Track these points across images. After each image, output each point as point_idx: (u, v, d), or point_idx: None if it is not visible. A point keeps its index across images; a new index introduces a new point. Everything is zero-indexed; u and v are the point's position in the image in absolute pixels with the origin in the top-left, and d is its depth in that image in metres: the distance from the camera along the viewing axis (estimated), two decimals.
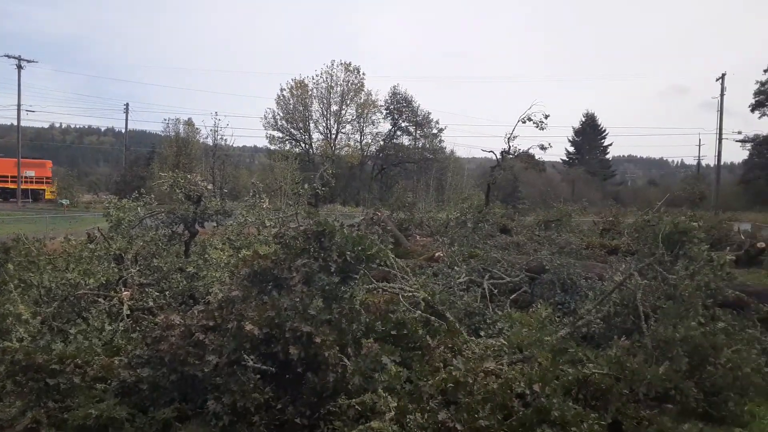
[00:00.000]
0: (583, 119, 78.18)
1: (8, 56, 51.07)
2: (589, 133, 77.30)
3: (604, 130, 77.69)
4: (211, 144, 53.97)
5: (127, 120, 65.43)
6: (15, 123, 55.22)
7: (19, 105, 52.09)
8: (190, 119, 58.84)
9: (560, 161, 77.87)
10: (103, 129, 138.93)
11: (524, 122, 18.95)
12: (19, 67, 51.43)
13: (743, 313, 7.83)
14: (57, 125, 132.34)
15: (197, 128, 57.80)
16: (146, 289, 7.64)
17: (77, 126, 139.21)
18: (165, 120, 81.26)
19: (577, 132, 77.98)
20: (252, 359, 4.37)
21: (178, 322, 4.81)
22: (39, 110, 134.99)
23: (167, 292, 7.74)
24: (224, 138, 53.93)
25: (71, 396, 4.76)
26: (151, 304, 7.20)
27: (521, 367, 5.00)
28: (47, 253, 8.28)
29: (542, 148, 19.64)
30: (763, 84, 60.92)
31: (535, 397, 4.06)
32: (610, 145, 78.78)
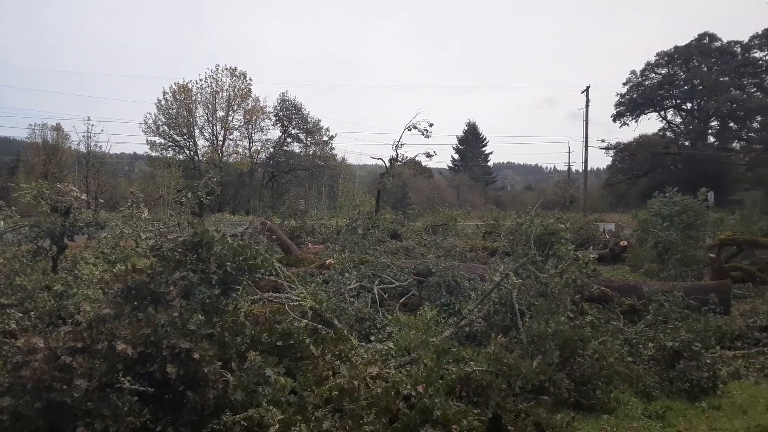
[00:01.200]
0: (466, 128, 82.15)
1: None
2: (472, 141, 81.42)
3: (485, 139, 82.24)
4: (84, 151, 50.21)
5: None
6: None
7: None
8: (58, 124, 54.51)
9: (447, 168, 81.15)
10: None
11: (410, 130, 19.57)
12: None
13: (608, 307, 8.59)
14: None
15: (67, 134, 53.69)
16: (8, 311, 6.97)
17: None
18: (31, 125, 74.32)
19: (460, 140, 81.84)
20: (127, 380, 4.11)
21: (41, 345, 4.41)
22: None
23: (32, 313, 7.10)
24: (99, 144, 50.42)
25: None
26: (13, 326, 6.57)
27: (408, 369, 5.11)
28: None
29: (428, 155, 20.38)
30: (622, 96, 67.39)
31: (419, 397, 4.16)
32: (491, 153, 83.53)
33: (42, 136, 53.81)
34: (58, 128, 54.11)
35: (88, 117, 68.82)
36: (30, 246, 8.88)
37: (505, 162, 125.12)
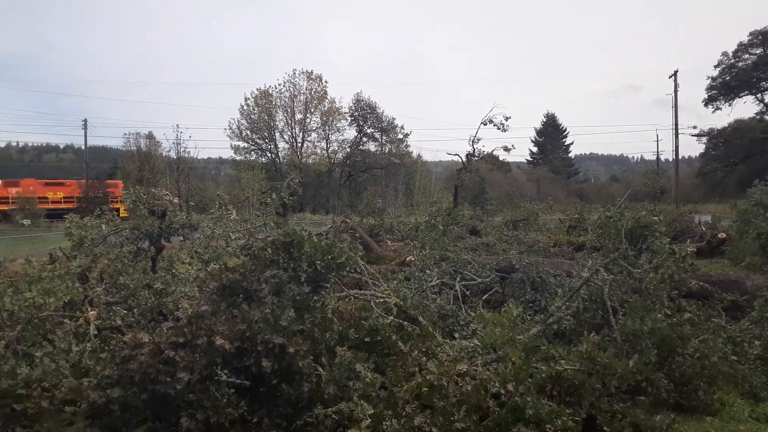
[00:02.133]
0: (544, 120, 79.80)
1: None
2: (551, 133, 78.95)
3: (565, 130, 79.43)
4: (175, 157, 53.14)
5: (86, 136, 63.83)
6: None
7: None
8: (150, 133, 57.93)
9: (525, 161, 79.33)
10: (62, 146, 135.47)
11: (485, 124, 19.27)
12: None
13: (708, 303, 8.07)
14: (14, 144, 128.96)
15: (159, 142, 57.01)
16: (113, 308, 7.47)
17: (35, 144, 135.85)
18: (125, 134, 79.60)
19: (539, 132, 79.54)
20: (225, 374, 4.31)
21: (146, 340, 4.70)
22: None
23: (135, 310, 7.58)
24: (187, 150, 53.20)
25: (40, 421, 4.62)
26: (119, 322, 7.04)
27: (495, 367, 5.04)
28: (8, 275, 8.03)
29: (506, 149, 19.95)
30: (714, 79, 63.13)
31: (510, 396, 4.09)
32: (572, 143, 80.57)
33: (136, 144, 57.43)
34: (150, 136, 57.65)
35: (177, 124, 72.68)
36: (131, 247, 9.50)
37: (587, 153, 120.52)
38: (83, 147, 67.62)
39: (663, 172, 61.99)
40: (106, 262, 8.93)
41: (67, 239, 9.30)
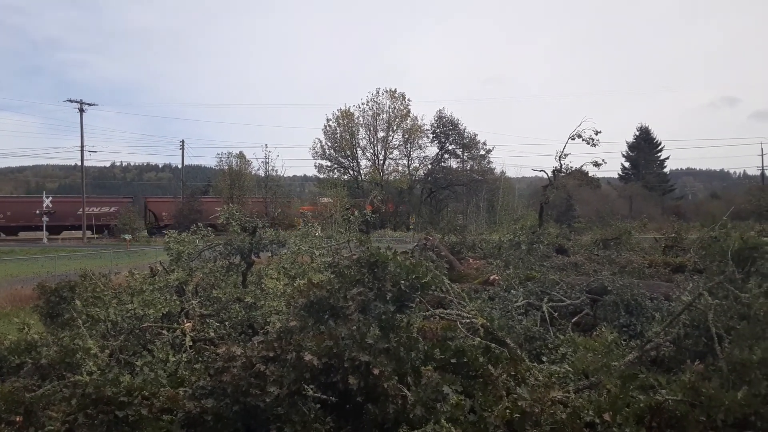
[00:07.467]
0: (637, 133, 76.11)
1: (70, 101, 54.33)
2: (644, 147, 75.08)
3: (660, 144, 75.31)
4: (263, 175, 55.35)
5: (183, 156, 68.04)
6: (79, 163, 58.39)
7: (82, 146, 55.04)
8: (241, 152, 60.62)
9: (616, 177, 75.98)
10: (160, 165, 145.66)
11: (574, 139, 18.68)
12: (81, 111, 54.35)
13: None
14: (118, 164, 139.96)
15: (248, 161, 59.49)
16: (207, 320, 7.79)
17: (137, 164, 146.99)
18: (218, 154, 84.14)
19: (631, 146, 75.91)
20: (312, 389, 4.36)
21: (239, 353, 4.86)
22: (101, 150, 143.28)
23: (227, 323, 7.86)
24: (275, 169, 55.28)
25: (139, 428, 4.85)
26: (212, 334, 7.33)
27: (588, 395, 4.80)
28: (113, 287, 8.60)
29: (596, 164, 19.21)
30: None
31: (606, 426, 3.87)
32: (667, 158, 76.21)
33: (228, 163, 60.25)
34: (240, 156, 60.25)
35: (266, 144, 75.80)
36: (223, 262, 9.91)
37: (684, 168, 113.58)
38: (180, 166, 72.07)
39: None
40: (201, 275, 9.36)
41: (165, 253, 9.86)
